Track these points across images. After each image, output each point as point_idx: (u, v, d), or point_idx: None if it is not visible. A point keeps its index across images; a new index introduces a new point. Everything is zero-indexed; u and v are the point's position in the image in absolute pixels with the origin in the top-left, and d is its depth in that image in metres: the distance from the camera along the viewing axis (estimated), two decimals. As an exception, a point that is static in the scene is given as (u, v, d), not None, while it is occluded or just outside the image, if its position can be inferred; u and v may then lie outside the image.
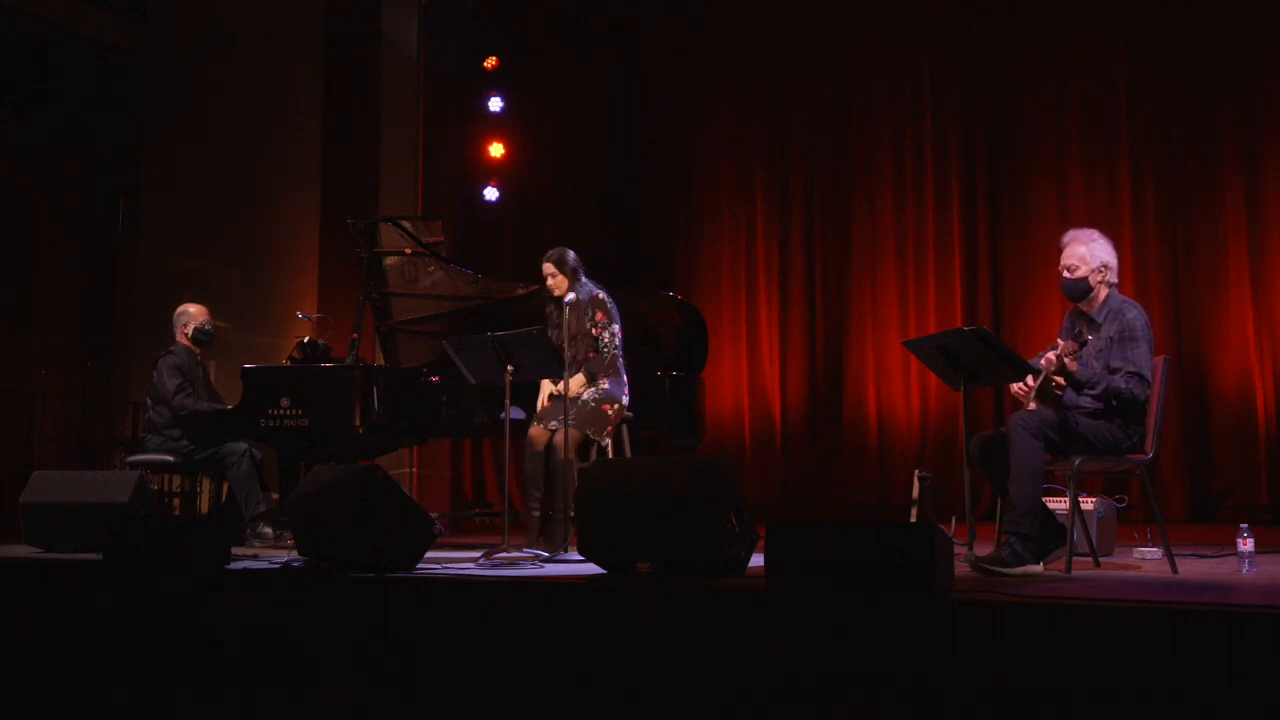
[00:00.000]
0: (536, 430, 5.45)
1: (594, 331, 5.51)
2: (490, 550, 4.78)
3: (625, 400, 5.52)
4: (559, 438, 5.29)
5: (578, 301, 5.49)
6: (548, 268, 5.54)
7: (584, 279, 5.60)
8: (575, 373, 5.40)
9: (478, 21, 10.15)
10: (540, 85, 10.25)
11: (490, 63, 9.90)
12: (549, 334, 5.52)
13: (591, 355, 5.51)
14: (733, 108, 10.03)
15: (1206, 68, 8.25)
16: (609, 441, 5.44)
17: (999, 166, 8.98)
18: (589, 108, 10.44)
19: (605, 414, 5.41)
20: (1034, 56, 8.88)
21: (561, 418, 5.25)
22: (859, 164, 9.44)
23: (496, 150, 9.85)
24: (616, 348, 5.52)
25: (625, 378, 5.57)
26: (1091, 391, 4.18)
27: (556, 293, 5.54)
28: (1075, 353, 4.13)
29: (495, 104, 9.83)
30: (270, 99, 9.35)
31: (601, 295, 5.58)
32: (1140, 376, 4.16)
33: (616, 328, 5.54)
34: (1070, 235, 4.45)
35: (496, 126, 9.89)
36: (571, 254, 5.58)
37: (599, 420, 5.39)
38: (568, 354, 5.27)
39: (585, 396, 5.40)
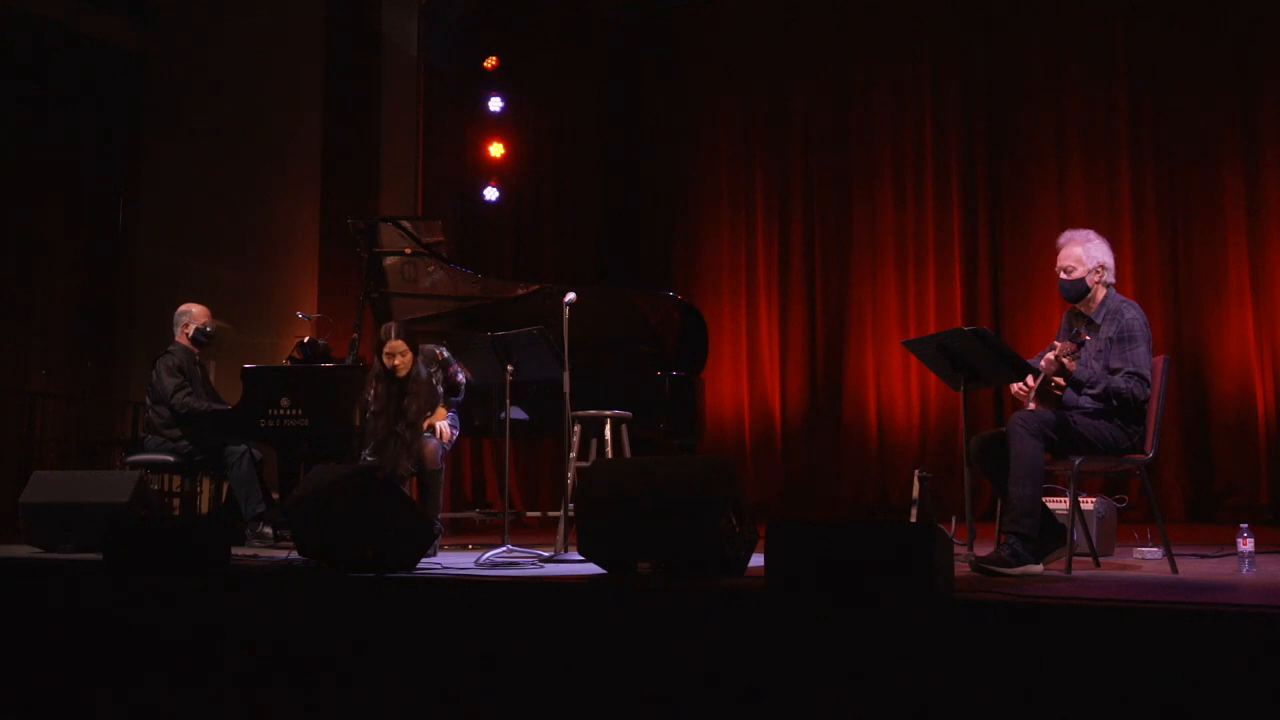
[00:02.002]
0: None
1: (450, 382, 5.53)
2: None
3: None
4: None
5: (420, 373, 5.46)
6: (400, 345, 5.41)
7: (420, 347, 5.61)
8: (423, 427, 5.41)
9: (478, 21, 10.15)
10: (540, 85, 10.25)
11: (490, 63, 9.90)
12: (368, 413, 5.47)
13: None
14: (733, 108, 10.03)
15: (1206, 68, 8.25)
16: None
17: (999, 166, 8.98)
18: (589, 108, 10.44)
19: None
20: (1034, 56, 8.88)
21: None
22: (859, 164, 9.44)
23: (496, 150, 9.85)
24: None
25: None
26: (1091, 391, 4.18)
27: (402, 373, 5.41)
28: (1073, 353, 4.13)
29: (495, 104, 9.83)
30: (270, 99, 9.35)
31: (445, 353, 5.60)
32: (1140, 376, 4.16)
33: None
34: (1066, 236, 4.45)
35: (496, 126, 9.89)
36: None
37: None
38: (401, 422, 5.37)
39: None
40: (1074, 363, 4.14)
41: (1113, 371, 4.19)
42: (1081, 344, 4.21)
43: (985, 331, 4.28)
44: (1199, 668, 2.63)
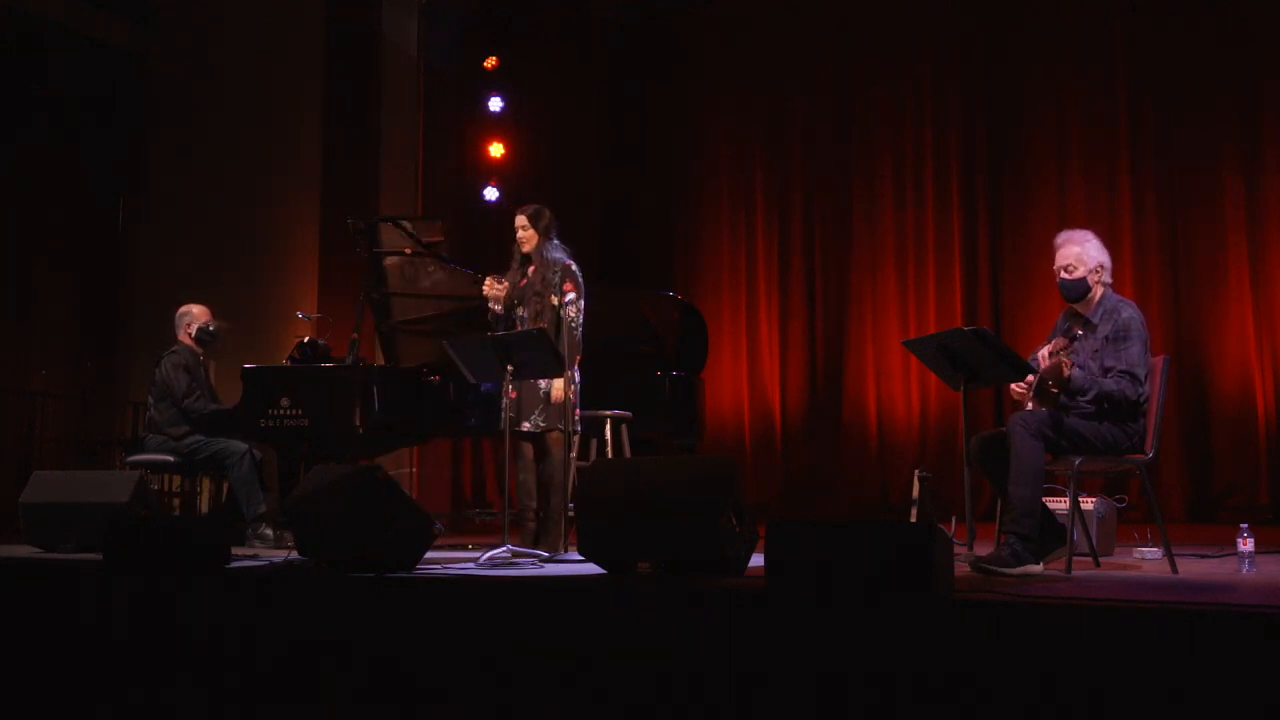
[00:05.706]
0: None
1: (554, 300, 5.25)
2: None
3: (578, 380, 5.30)
4: (551, 441, 5.21)
5: (544, 261, 5.33)
6: (521, 220, 5.38)
7: (555, 241, 5.41)
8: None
9: (478, 21, 10.15)
10: (540, 85, 10.26)
11: (490, 63, 9.90)
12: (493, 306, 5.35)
13: (543, 326, 5.18)
14: (733, 108, 10.03)
15: (1206, 68, 8.25)
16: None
17: (999, 166, 8.99)
18: (589, 108, 10.45)
19: (571, 403, 5.16)
20: (1034, 57, 8.88)
21: (533, 418, 5.17)
22: (859, 164, 9.44)
23: (496, 150, 9.86)
24: (580, 325, 5.28)
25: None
26: (1084, 399, 4.18)
27: (525, 248, 5.37)
28: (1066, 349, 4.14)
29: (495, 104, 9.84)
30: (270, 99, 9.35)
31: (574, 266, 5.35)
32: (1131, 375, 4.16)
33: (583, 303, 5.30)
34: (1064, 236, 4.45)
35: (496, 126, 9.89)
36: (548, 213, 5.43)
37: (570, 412, 5.18)
38: (524, 314, 5.23)
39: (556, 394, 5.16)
40: (1070, 365, 4.14)
41: (1107, 370, 4.20)
42: (1075, 338, 4.21)
43: (985, 331, 4.29)
44: (1199, 668, 2.63)
